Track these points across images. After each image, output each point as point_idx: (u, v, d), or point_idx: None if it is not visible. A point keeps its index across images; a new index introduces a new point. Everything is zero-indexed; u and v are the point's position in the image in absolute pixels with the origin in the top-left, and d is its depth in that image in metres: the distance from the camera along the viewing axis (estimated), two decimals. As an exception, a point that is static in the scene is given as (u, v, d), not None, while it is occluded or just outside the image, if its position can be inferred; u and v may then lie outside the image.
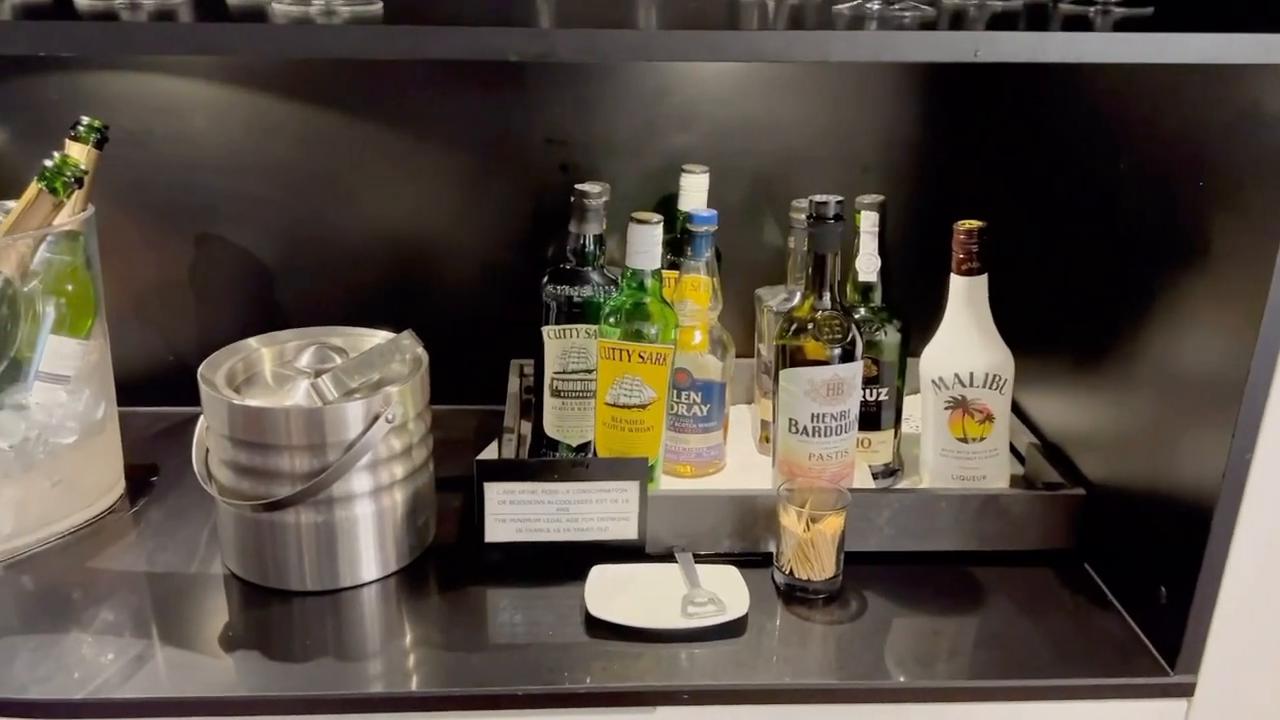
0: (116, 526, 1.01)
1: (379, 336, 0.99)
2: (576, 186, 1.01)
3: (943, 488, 1.00)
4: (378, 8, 0.70)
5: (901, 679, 0.84)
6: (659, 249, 0.96)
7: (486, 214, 1.21)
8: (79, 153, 0.89)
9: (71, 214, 0.93)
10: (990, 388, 0.98)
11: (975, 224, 0.96)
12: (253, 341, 0.98)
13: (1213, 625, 0.82)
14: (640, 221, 0.94)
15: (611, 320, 0.97)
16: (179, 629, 0.88)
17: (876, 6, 0.75)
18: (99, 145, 0.93)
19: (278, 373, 0.96)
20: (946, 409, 0.99)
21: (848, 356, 0.95)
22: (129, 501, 1.05)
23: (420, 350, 0.97)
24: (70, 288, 0.95)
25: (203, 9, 0.72)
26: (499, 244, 1.22)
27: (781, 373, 0.96)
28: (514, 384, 1.17)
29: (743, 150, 1.20)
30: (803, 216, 1.07)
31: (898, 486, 1.06)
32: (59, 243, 0.93)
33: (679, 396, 1.06)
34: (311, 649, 0.86)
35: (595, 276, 1.02)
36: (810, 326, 0.94)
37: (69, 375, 0.95)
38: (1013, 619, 0.91)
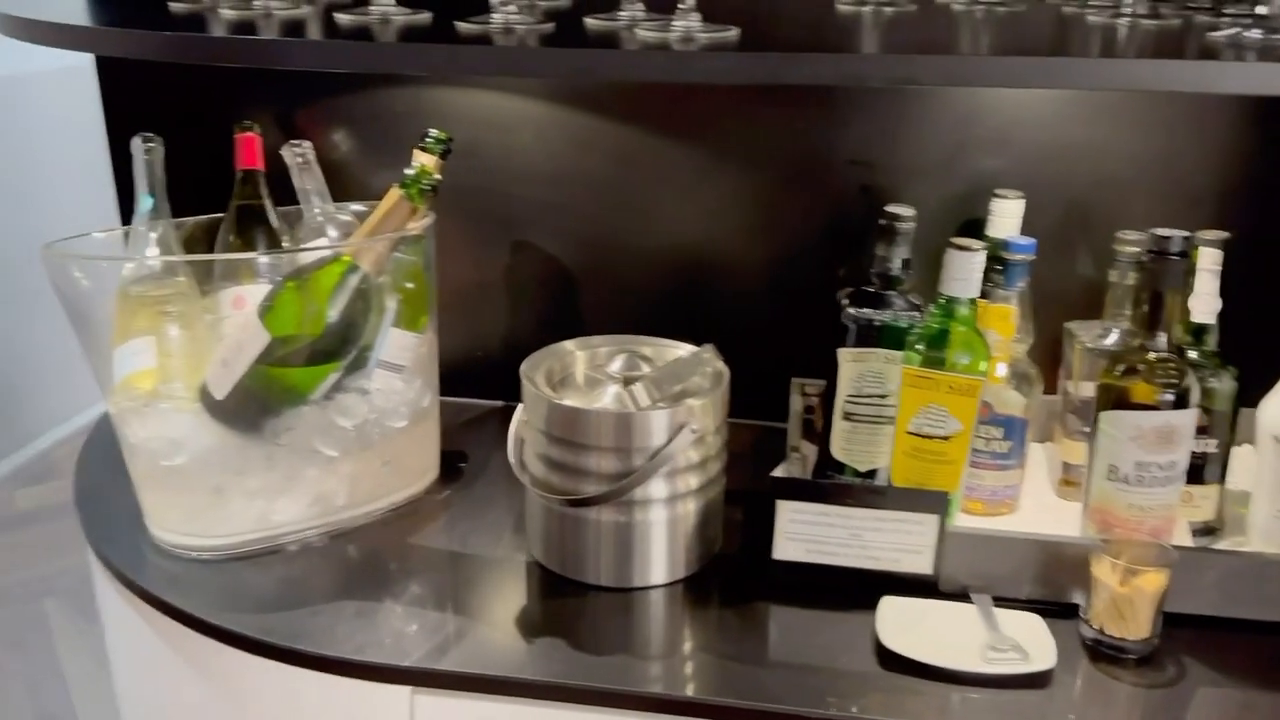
0: (431, 507, 1.10)
1: (682, 349, 1.02)
2: (887, 209, 1.00)
3: (1277, 553, 0.91)
4: (734, 34, 0.71)
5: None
6: (979, 277, 0.93)
7: (781, 231, 1.22)
8: (430, 163, 0.97)
9: (418, 219, 1.01)
10: (1347, 449, 0.88)
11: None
12: (568, 344, 1.03)
13: None
14: (961, 248, 0.92)
15: (919, 347, 0.95)
16: (484, 608, 0.95)
17: (1258, 35, 0.69)
18: (444, 156, 1.01)
19: (590, 376, 1.00)
20: (1291, 468, 0.90)
21: (1181, 403, 0.88)
22: (442, 484, 1.13)
23: (721, 365, 0.98)
24: (410, 286, 1.04)
25: (562, 33, 0.77)
26: (790, 262, 1.22)
27: (1103, 415, 0.91)
28: (796, 403, 1.17)
29: (1058, 176, 1.14)
30: (1130, 249, 1.01)
31: (1218, 547, 0.98)
32: (406, 245, 1.02)
33: (978, 430, 1.02)
34: (602, 643, 0.90)
35: (899, 301, 1.00)
36: (1142, 368, 0.88)
37: (405, 365, 1.03)
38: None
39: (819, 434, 1.08)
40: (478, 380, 1.25)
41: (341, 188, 1.19)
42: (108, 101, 1.30)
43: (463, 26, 0.76)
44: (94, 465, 1.17)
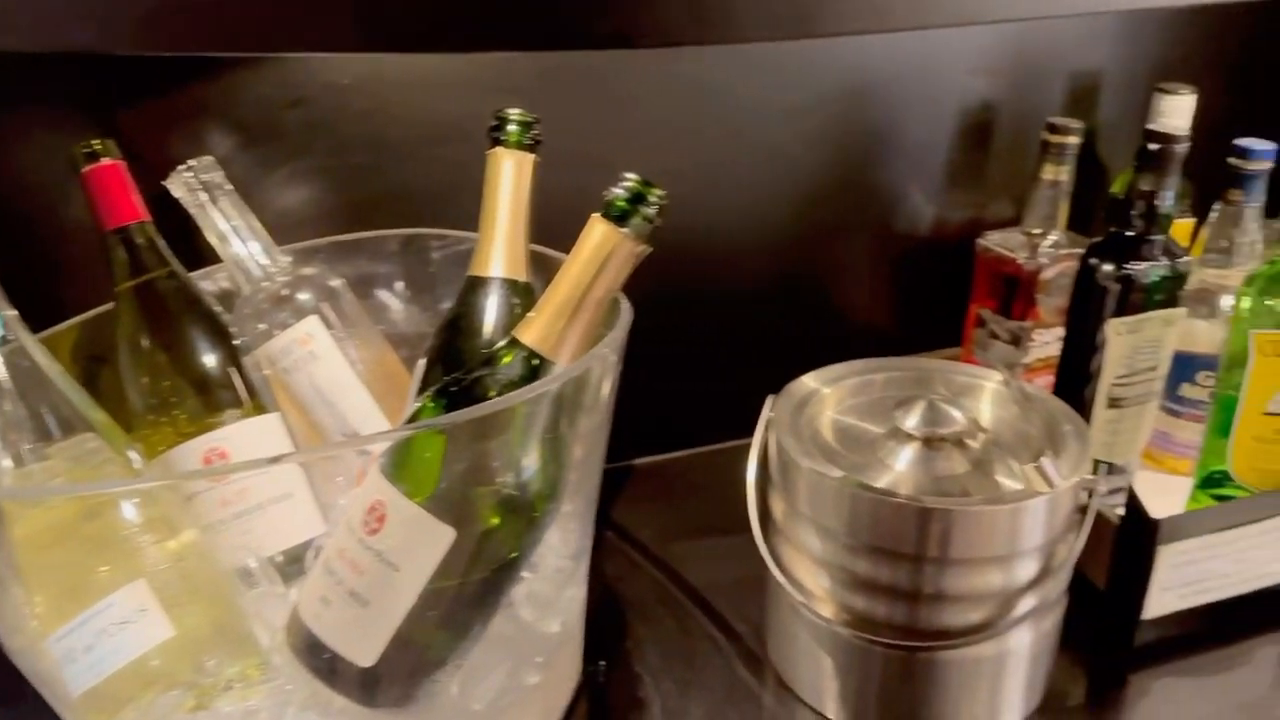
0: None
1: (982, 375, 0.72)
2: (1150, 128, 0.76)
3: None
4: None
5: None
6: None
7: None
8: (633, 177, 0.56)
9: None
10: None
11: None
12: (808, 381, 0.69)
13: None
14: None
15: (1269, 303, 0.73)
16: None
17: None
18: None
19: (853, 430, 0.67)
20: None
21: None
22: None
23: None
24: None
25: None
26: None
27: None
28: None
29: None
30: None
31: None
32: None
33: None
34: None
35: (1172, 247, 0.78)
36: None
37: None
38: None
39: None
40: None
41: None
42: None
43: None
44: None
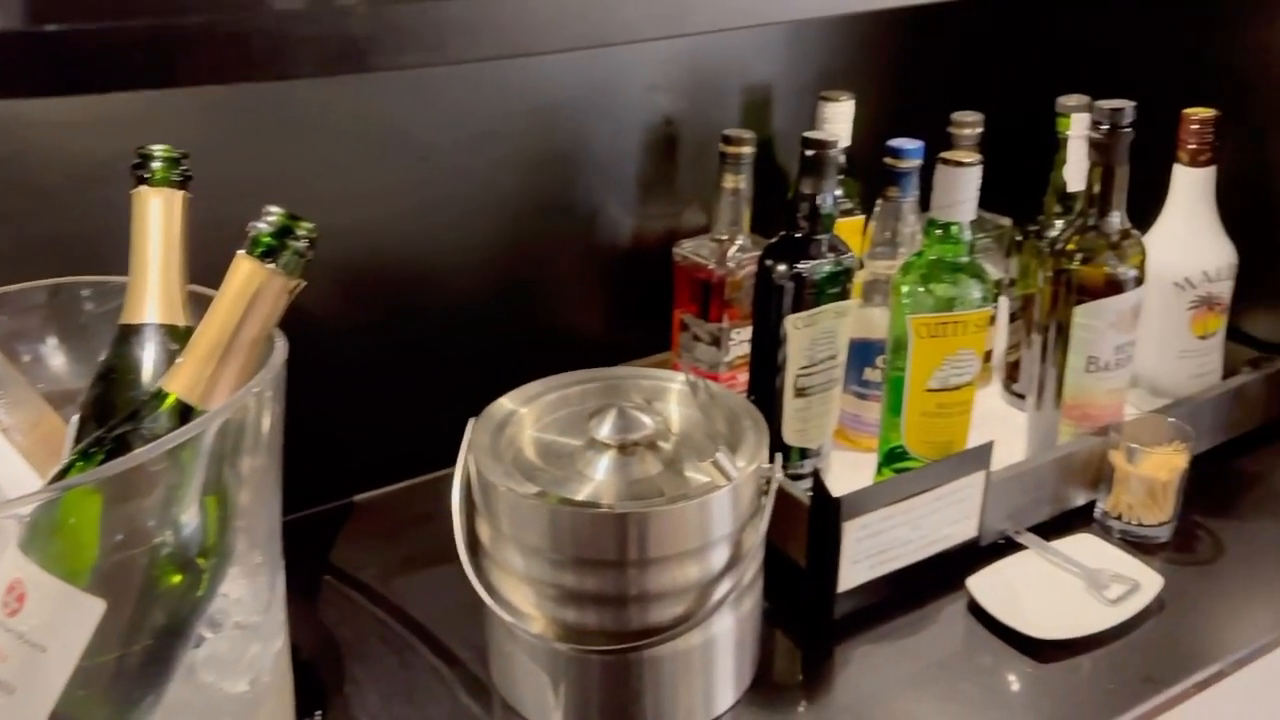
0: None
1: (665, 377, 0.74)
2: (806, 135, 0.81)
3: (1199, 392, 0.96)
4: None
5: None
6: (975, 196, 0.80)
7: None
8: (277, 210, 0.54)
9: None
10: (1229, 278, 0.95)
11: (1208, 112, 0.91)
12: (505, 403, 0.69)
13: None
14: (956, 163, 0.78)
15: (919, 289, 0.80)
16: None
17: None
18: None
19: (551, 445, 0.68)
20: (1190, 309, 0.94)
21: (1142, 278, 0.86)
22: None
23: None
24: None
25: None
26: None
27: (1080, 309, 0.85)
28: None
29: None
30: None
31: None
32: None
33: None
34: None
35: (837, 244, 0.84)
36: (1113, 252, 0.84)
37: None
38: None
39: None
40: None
41: None
42: None
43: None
44: None
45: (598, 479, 0.66)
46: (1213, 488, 0.91)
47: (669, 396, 0.73)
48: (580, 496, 0.64)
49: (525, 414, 0.70)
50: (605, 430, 0.66)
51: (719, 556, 0.65)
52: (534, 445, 0.68)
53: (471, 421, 0.69)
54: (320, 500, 0.90)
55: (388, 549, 0.85)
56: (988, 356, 1.04)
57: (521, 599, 0.65)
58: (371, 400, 0.90)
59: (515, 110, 0.89)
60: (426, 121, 0.85)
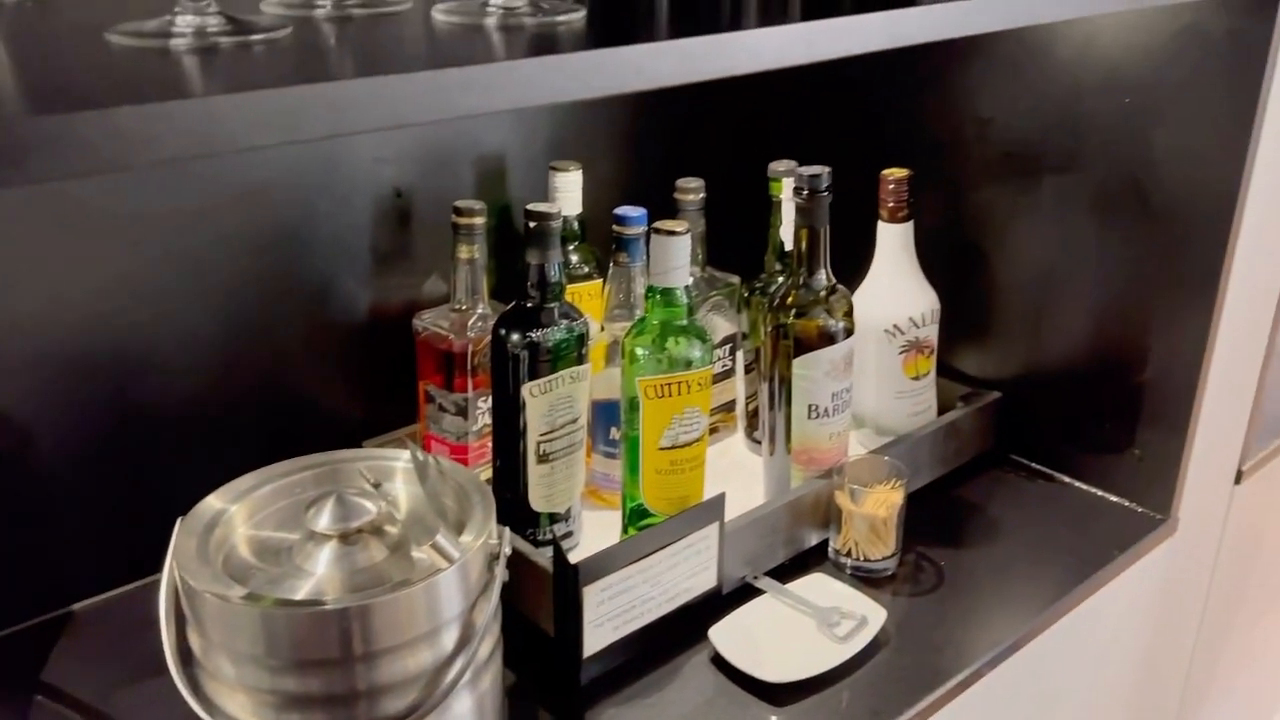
0: None
1: (393, 454, 0.73)
2: (528, 208, 0.83)
3: (916, 429, 1.03)
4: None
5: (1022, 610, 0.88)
6: (687, 260, 0.83)
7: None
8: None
9: None
10: (934, 323, 1.03)
11: (903, 171, 0.99)
12: (213, 502, 0.66)
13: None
14: (668, 232, 0.81)
15: (643, 352, 0.83)
16: None
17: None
18: None
19: (268, 542, 0.66)
20: (901, 353, 1.02)
21: (851, 329, 0.93)
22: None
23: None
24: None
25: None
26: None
27: (798, 361, 0.91)
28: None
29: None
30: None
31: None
32: None
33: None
34: None
35: (569, 310, 0.86)
36: (817, 306, 0.90)
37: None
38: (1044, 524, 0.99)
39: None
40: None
41: None
42: None
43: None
44: None
45: (319, 572, 0.64)
46: (935, 519, 0.98)
47: (396, 475, 0.72)
48: (300, 593, 0.62)
49: (236, 511, 0.67)
50: (324, 520, 0.65)
51: (449, 637, 0.64)
52: (248, 543, 0.66)
53: (179, 521, 0.65)
54: (31, 615, 0.83)
55: (108, 662, 0.79)
56: (731, 406, 1.09)
57: (239, 709, 0.61)
58: (85, 504, 0.84)
59: (226, 189, 0.86)
60: (132, 210, 0.81)
